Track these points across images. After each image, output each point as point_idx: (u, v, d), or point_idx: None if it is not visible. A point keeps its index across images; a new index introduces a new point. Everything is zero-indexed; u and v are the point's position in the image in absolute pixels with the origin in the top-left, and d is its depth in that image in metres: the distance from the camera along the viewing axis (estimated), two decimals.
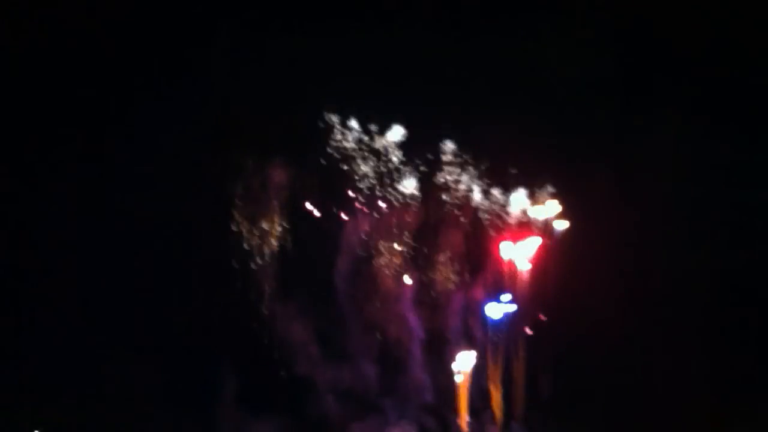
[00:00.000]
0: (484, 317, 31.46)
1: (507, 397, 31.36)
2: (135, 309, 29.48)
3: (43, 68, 29.11)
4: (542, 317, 31.15)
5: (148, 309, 29.54)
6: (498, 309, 31.45)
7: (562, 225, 31.35)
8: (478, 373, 31.45)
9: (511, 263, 31.41)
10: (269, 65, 29.87)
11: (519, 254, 31.46)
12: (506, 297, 31.49)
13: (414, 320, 31.31)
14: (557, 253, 31.15)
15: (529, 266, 31.38)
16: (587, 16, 29.82)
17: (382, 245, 31.57)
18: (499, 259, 31.40)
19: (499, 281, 31.49)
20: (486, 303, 31.53)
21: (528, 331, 31.31)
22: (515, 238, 31.42)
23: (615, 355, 29.85)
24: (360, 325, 30.99)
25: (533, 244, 31.46)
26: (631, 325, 29.74)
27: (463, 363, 31.38)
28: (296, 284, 30.87)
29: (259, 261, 30.79)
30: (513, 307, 31.42)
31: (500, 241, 31.40)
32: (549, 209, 31.39)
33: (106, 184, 29.63)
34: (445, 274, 31.54)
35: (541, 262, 31.36)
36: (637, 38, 30.33)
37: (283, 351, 30.64)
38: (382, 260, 31.56)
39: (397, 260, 31.58)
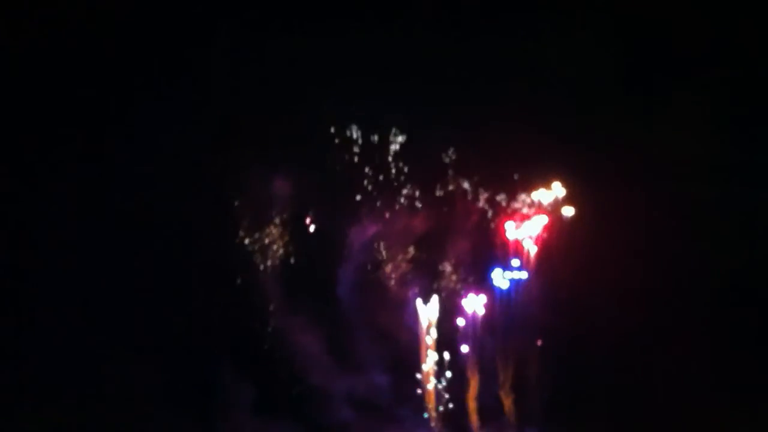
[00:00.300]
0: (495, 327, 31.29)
1: (519, 403, 31.24)
2: (135, 309, 29.49)
3: (43, 68, 29.11)
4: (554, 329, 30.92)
5: (148, 309, 29.54)
6: (505, 276, 31.13)
7: (568, 211, 31.10)
8: (490, 380, 31.32)
9: (517, 242, 31.11)
10: (269, 65, 29.90)
11: (524, 234, 31.15)
12: (515, 263, 31.08)
13: (422, 328, 31.22)
14: (563, 240, 30.87)
15: (535, 248, 31.09)
16: (589, 12, 29.80)
17: (387, 253, 31.53)
18: (505, 240, 31.13)
19: (505, 257, 31.20)
20: (492, 269, 31.19)
21: (539, 342, 31.07)
22: (520, 219, 31.13)
23: (623, 356, 29.82)
24: (367, 333, 30.90)
25: (539, 223, 31.12)
26: (638, 324, 29.69)
27: (472, 306, 31.08)
28: (299, 288, 30.91)
29: (262, 269, 30.87)
30: (522, 275, 31.06)
31: (505, 222, 31.11)
32: (554, 192, 31.10)
33: (106, 184, 29.64)
34: (452, 281, 31.47)
35: (547, 243, 31.07)
36: (641, 33, 30.23)
37: (284, 351, 30.66)
38: (388, 268, 31.52)
39: (402, 268, 31.53)
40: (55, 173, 29.48)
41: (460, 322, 31.13)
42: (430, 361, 31.32)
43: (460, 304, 31.28)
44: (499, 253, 31.25)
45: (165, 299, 29.57)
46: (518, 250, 31.25)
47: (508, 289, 31.08)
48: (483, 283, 31.27)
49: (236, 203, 30.71)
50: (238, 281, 30.89)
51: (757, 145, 30.08)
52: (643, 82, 30.46)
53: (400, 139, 31.00)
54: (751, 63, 29.94)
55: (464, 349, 31.13)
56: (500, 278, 31.12)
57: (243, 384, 30.11)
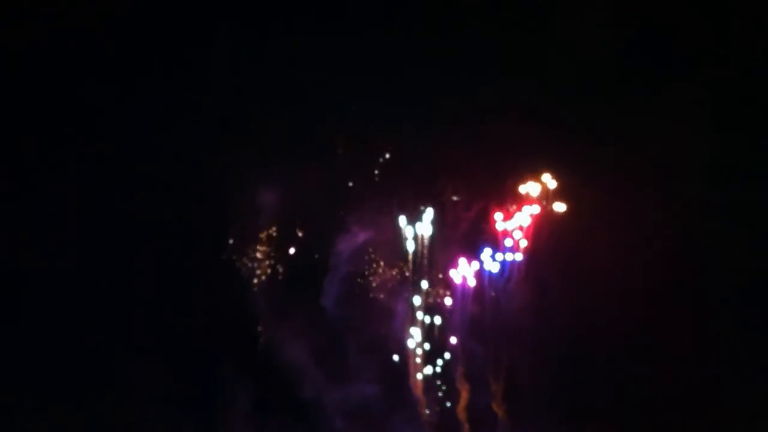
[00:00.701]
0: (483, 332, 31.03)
1: (515, 408, 31.09)
2: (135, 309, 29.50)
3: (42, 68, 29.13)
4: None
5: (148, 309, 29.56)
6: (496, 258, 30.36)
7: (560, 207, 30.73)
8: (480, 390, 31.16)
9: (506, 233, 30.69)
10: (269, 65, 29.93)
11: (514, 225, 30.58)
12: (508, 242, 30.13)
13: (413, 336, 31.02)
14: (555, 235, 30.51)
15: (525, 242, 30.64)
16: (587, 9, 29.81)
17: (378, 263, 31.40)
18: (494, 231, 30.75)
19: (495, 246, 30.77)
20: (481, 249, 30.42)
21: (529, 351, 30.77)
22: (509, 212, 30.69)
23: (623, 357, 29.77)
24: (358, 341, 30.81)
25: (530, 212, 30.45)
26: (637, 325, 29.65)
27: (461, 274, 30.39)
28: (292, 297, 30.93)
29: (258, 273, 30.89)
30: (518, 257, 30.38)
31: (493, 213, 30.68)
32: (545, 184, 30.58)
33: (106, 184, 29.65)
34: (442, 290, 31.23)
35: (538, 236, 30.70)
36: (641, 28, 30.19)
37: (279, 359, 30.67)
38: (378, 278, 31.40)
39: (393, 277, 31.40)
40: (55, 173, 29.49)
41: (448, 301, 30.81)
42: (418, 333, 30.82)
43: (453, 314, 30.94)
44: (489, 242, 30.83)
45: (165, 299, 29.60)
46: (508, 238, 30.85)
47: (498, 275, 30.68)
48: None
49: (235, 204, 30.70)
50: (237, 283, 30.92)
51: (759, 144, 30.04)
52: (642, 76, 30.44)
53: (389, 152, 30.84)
54: (753, 61, 29.93)
55: (453, 340, 30.87)
56: (490, 260, 30.50)
57: (243, 385, 30.11)
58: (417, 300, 30.67)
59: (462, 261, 30.52)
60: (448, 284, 30.81)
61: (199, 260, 30.39)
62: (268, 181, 30.31)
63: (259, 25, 30.30)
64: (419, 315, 30.68)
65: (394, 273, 31.30)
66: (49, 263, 29.27)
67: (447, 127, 30.16)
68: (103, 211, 29.46)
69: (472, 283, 30.56)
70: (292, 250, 31.30)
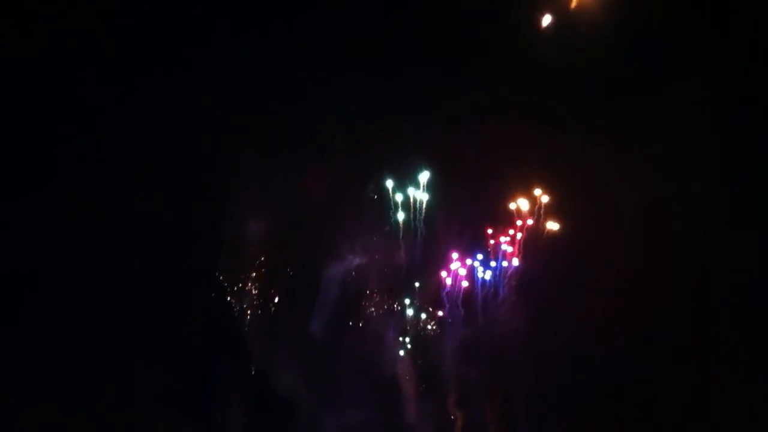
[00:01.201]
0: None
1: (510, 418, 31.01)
2: (135, 309, 29.49)
3: (43, 68, 29.11)
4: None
5: (148, 309, 29.55)
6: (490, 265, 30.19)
7: (553, 225, 30.70)
8: (475, 412, 31.06)
9: (498, 243, 30.56)
10: (269, 65, 29.95)
11: (506, 240, 30.56)
12: (505, 248, 29.74)
13: (406, 360, 30.89)
14: (550, 246, 30.52)
15: (517, 261, 30.55)
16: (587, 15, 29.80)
17: (371, 289, 31.29)
18: (487, 245, 30.73)
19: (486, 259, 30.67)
20: (474, 256, 30.10)
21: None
22: (503, 227, 30.58)
23: (618, 354, 29.77)
24: (353, 366, 30.74)
25: (522, 227, 30.54)
26: (633, 324, 29.65)
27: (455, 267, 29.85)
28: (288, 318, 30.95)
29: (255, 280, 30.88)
30: (514, 262, 30.26)
31: (487, 229, 30.49)
32: (538, 199, 30.61)
33: (106, 184, 29.65)
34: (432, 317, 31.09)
35: (531, 248, 30.66)
36: (639, 30, 30.20)
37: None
38: (372, 304, 31.30)
39: (384, 304, 31.29)
40: (55, 173, 29.49)
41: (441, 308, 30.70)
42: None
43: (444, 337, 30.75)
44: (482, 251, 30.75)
45: (164, 300, 29.59)
46: (500, 253, 30.89)
47: (491, 281, 30.59)
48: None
49: (235, 204, 30.72)
50: (237, 283, 30.94)
51: (759, 144, 30.03)
52: (642, 76, 30.45)
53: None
54: (753, 61, 29.91)
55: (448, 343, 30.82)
56: (482, 269, 30.42)
57: (243, 385, 30.12)
58: (407, 300, 30.54)
59: (455, 256, 30.38)
60: (440, 284, 30.75)
61: (198, 261, 30.35)
62: (267, 182, 30.31)
63: (259, 25, 30.31)
64: (410, 312, 30.44)
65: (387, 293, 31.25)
66: (49, 263, 29.26)
67: (447, 127, 30.15)
68: (103, 211, 29.43)
69: (465, 283, 30.56)
70: (291, 253, 31.31)
